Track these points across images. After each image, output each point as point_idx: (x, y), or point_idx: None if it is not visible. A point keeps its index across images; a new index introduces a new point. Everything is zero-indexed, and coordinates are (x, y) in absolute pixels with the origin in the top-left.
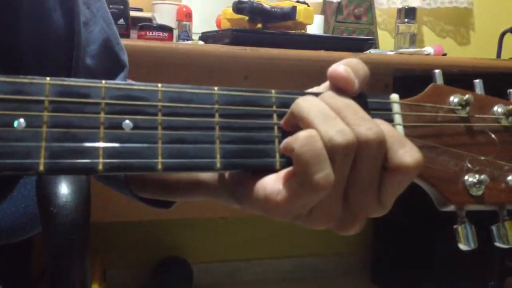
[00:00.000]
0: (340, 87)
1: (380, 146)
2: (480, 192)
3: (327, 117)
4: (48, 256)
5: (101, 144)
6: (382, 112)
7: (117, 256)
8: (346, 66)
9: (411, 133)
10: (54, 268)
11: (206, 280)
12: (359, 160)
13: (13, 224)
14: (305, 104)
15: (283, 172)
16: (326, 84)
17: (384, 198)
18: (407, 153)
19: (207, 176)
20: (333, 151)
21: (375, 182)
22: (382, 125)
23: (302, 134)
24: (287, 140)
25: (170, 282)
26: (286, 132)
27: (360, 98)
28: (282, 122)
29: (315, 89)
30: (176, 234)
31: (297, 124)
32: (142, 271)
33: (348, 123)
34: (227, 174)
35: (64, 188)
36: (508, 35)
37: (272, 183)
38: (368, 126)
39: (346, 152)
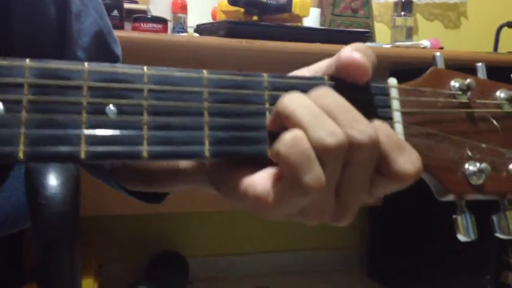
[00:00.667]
0: (355, 75)
1: (373, 149)
2: (480, 181)
3: (315, 117)
4: (37, 248)
5: (83, 131)
6: (380, 97)
7: (112, 250)
8: (360, 52)
9: (409, 119)
10: (43, 260)
11: (202, 274)
12: (351, 163)
13: (4, 217)
14: (291, 103)
15: (272, 172)
16: (318, 66)
17: (376, 194)
18: (407, 160)
19: (186, 164)
20: (323, 153)
21: (367, 182)
22: (381, 127)
23: (286, 136)
24: (274, 145)
25: (165, 276)
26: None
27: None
28: (268, 123)
29: (304, 71)
30: (171, 228)
31: (283, 124)
32: (138, 265)
33: (339, 125)
34: (206, 163)
35: (52, 179)
36: (504, 29)
37: (261, 183)
38: (361, 128)
39: (337, 154)
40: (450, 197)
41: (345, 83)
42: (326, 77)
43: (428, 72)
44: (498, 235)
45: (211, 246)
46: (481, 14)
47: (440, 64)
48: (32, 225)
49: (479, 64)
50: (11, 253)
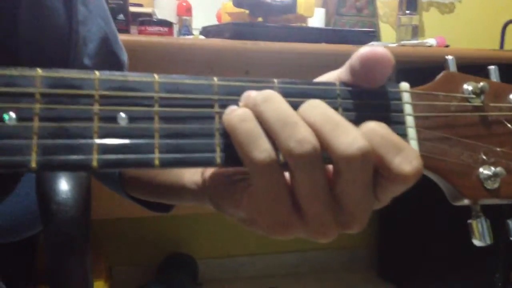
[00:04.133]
0: (378, 68)
1: (365, 159)
2: (495, 185)
3: (286, 124)
4: (49, 253)
5: (95, 140)
6: (392, 101)
7: (122, 252)
8: (382, 47)
9: (422, 124)
10: (56, 265)
11: (211, 275)
12: (347, 175)
13: (16, 222)
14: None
15: None
16: (330, 74)
17: (381, 198)
18: (403, 161)
19: (189, 182)
20: (295, 161)
21: (369, 189)
22: (375, 129)
23: (234, 113)
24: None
25: (175, 278)
26: None
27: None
28: None
29: (319, 79)
30: (181, 230)
31: None
32: (148, 268)
33: (328, 139)
34: (208, 181)
35: (64, 185)
36: (510, 26)
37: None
38: (349, 141)
39: (309, 160)
40: (465, 202)
41: (356, 88)
42: (337, 83)
43: (440, 75)
44: None
45: (220, 248)
46: (487, 11)
47: (452, 68)
48: (44, 230)
49: (492, 67)
50: (24, 255)
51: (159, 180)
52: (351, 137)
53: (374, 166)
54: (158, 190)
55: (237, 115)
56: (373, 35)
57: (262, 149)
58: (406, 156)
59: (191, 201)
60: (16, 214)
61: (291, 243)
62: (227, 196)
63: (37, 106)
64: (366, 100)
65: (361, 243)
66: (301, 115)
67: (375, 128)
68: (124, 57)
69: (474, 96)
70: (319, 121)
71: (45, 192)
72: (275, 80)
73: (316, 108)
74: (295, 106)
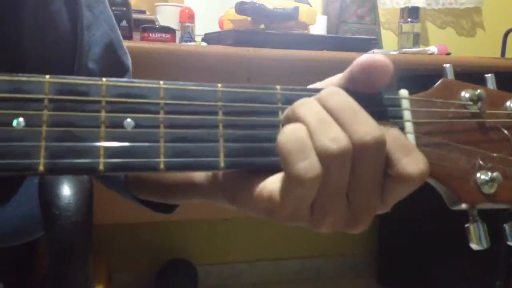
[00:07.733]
0: (377, 75)
1: (379, 149)
2: (492, 190)
3: (322, 123)
4: (51, 257)
5: (102, 144)
6: (391, 108)
7: (122, 258)
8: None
9: (421, 129)
10: (57, 269)
11: (210, 282)
12: (358, 164)
13: (17, 226)
14: (300, 110)
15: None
16: (330, 80)
17: (387, 200)
18: (411, 162)
19: (200, 178)
20: (327, 158)
21: (378, 184)
22: (389, 130)
23: (286, 126)
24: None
25: (175, 284)
26: None
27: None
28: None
29: (317, 85)
30: (180, 236)
31: None
32: (147, 274)
33: (345, 126)
34: (221, 175)
35: (66, 190)
36: (511, 34)
37: (271, 184)
38: (366, 130)
39: (340, 159)
40: (462, 206)
41: (356, 95)
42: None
43: (438, 83)
44: (510, 243)
45: (220, 254)
46: (492, 19)
47: (450, 75)
48: (46, 234)
49: (489, 75)
50: (24, 261)
51: (167, 179)
52: (369, 126)
53: (384, 162)
54: (166, 189)
55: (289, 128)
56: (374, 43)
57: (311, 161)
58: (414, 158)
59: (201, 197)
60: (18, 218)
61: (291, 250)
62: (245, 189)
63: (45, 111)
64: (365, 106)
65: (361, 250)
66: (320, 102)
67: (388, 128)
68: (129, 62)
69: (471, 103)
70: (339, 108)
71: (47, 197)
72: (278, 87)
73: (336, 95)
74: None
